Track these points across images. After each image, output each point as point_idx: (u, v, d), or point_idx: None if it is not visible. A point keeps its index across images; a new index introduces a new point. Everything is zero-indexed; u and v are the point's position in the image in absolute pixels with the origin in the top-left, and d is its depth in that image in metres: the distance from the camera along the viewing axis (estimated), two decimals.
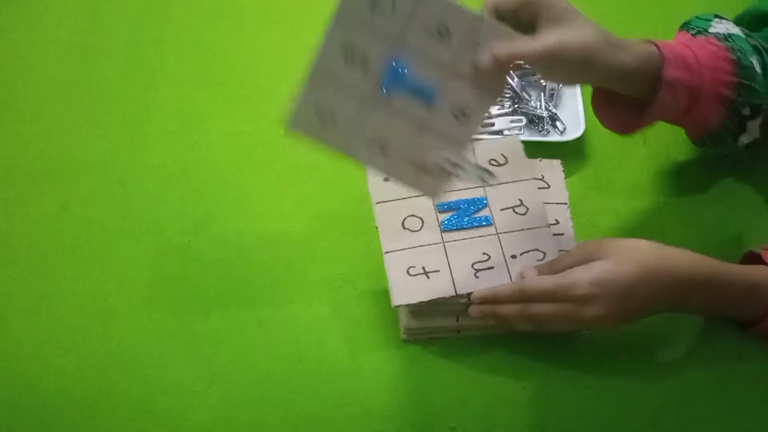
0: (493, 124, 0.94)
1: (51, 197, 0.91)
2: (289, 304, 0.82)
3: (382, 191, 0.79)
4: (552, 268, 0.72)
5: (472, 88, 0.64)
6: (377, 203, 0.79)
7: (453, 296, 0.73)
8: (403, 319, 0.77)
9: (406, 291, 0.72)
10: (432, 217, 0.78)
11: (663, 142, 0.95)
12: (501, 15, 0.65)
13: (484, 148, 0.83)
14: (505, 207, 0.78)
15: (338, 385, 0.76)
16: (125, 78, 1.04)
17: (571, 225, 0.79)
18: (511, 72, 0.99)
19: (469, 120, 0.65)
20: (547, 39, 0.64)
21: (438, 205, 0.78)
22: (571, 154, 0.93)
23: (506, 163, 0.82)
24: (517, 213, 0.78)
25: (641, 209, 0.89)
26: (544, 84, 0.98)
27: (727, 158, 0.91)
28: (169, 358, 0.78)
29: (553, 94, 0.98)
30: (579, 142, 0.92)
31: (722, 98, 0.77)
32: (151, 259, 0.86)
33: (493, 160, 0.82)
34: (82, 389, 0.76)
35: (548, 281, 0.69)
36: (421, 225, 0.77)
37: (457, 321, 0.76)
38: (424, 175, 0.68)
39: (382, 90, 0.63)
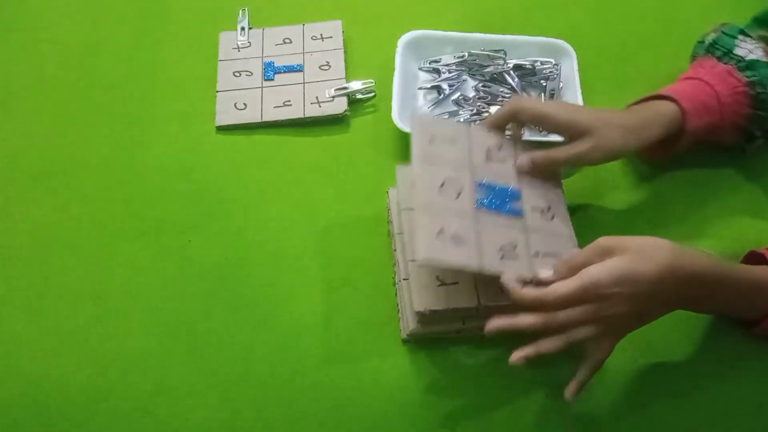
0: None
1: (51, 197, 0.91)
2: (289, 305, 0.82)
3: (428, 154, 0.77)
4: (568, 265, 0.70)
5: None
6: (418, 159, 0.76)
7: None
8: (410, 325, 0.77)
9: (436, 249, 0.69)
10: (470, 191, 0.75)
11: None
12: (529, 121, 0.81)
13: (529, 147, 0.82)
14: (535, 207, 0.77)
15: (338, 385, 0.76)
16: (126, 78, 1.04)
17: (570, 225, 0.79)
18: (511, 72, 0.99)
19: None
20: (579, 148, 0.78)
21: (477, 183, 0.76)
22: None
23: None
24: (545, 216, 0.77)
25: (642, 209, 0.89)
26: (544, 84, 0.98)
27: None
28: (170, 357, 0.78)
29: (554, 94, 0.98)
30: None
31: (738, 127, 0.87)
32: (151, 259, 0.86)
33: None
34: (82, 389, 0.76)
35: (569, 285, 0.66)
36: (458, 194, 0.75)
37: (464, 324, 0.76)
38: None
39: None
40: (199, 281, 0.84)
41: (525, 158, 0.79)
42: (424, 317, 0.74)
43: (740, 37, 0.89)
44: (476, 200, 0.75)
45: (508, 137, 0.82)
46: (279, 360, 0.78)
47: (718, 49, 0.89)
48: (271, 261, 0.85)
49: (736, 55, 0.87)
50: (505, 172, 0.79)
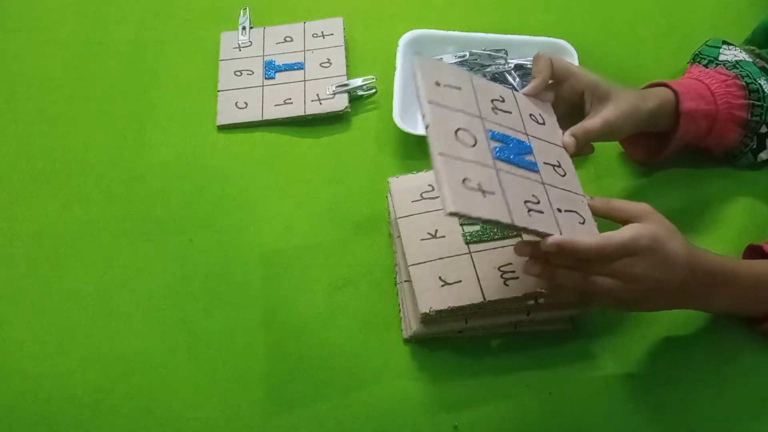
0: None
1: (53, 197, 0.91)
2: (290, 304, 0.82)
3: (437, 98, 0.70)
4: (606, 200, 0.71)
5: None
6: (428, 102, 0.68)
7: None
8: (412, 326, 0.77)
9: (464, 199, 0.62)
10: (485, 140, 0.70)
11: None
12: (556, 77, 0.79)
13: (526, 102, 0.78)
14: (547, 162, 0.73)
15: (340, 384, 0.76)
16: (127, 78, 1.04)
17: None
18: (513, 71, 0.99)
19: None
20: (606, 114, 0.78)
21: (490, 131, 0.71)
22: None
23: (543, 123, 0.78)
24: (557, 172, 0.73)
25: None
26: None
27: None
28: (171, 357, 0.78)
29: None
30: None
31: (737, 119, 0.86)
32: (153, 259, 0.86)
33: (532, 115, 0.77)
34: (83, 388, 0.76)
35: (606, 240, 0.66)
36: (474, 142, 0.68)
37: (466, 323, 0.76)
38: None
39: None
40: (201, 280, 0.84)
41: (569, 139, 0.77)
42: (428, 317, 0.74)
43: (723, 46, 0.91)
44: (493, 150, 0.70)
45: (508, 87, 0.79)
46: (280, 360, 0.78)
47: (703, 58, 0.91)
48: (272, 260, 0.85)
49: (721, 60, 0.89)
50: (512, 123, 0.74)
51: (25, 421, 0.74)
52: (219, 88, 1.01)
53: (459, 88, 0.72)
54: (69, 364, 0.78)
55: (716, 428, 0.74)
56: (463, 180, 0.64)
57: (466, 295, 0.74)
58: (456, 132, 0.68)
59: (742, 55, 0.89)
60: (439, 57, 1.02)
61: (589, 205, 0.71)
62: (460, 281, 0.75)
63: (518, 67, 1.00)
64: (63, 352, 0.79)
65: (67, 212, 0.90)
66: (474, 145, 0.68)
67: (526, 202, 0.67)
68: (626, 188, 0.91)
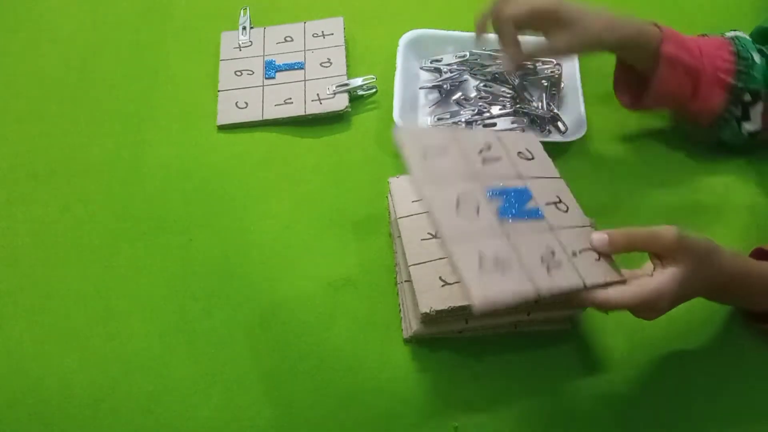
0: (494, 125, 0.94)
1: (53, 197, 0.91)
2: (290, 304, 0.82)
3: (430, 172, 0.70)
4: (627, 239, 0.69)
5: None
6: (424, 184, 0.68)
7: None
8: (412, 326, 0.77)
9: (487, 288, 0.62)
10: (485, 202, 0.69)
11: (664, 143, 0.95)
12: (517, 25, 0.82)
13: (511, 140, 0.78)
14: (548, 202, 0.72)
15: (340, 384, 0.76)
16: (127, 78, 1.04)
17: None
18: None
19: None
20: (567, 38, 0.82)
21: (488, 189, 0.70)
22: (573, 154, 0.93)
23: (533, 158, 0.77)
24: (559, 209, 0.73)
25: (643, 209, 0.89)
26: (546, 84, 0.98)
27: (733, 150, 0.92)
28: (171, 357, 0.78)
29: (555, 94, 0.98)
30: (581, 142, 0.92)
31: (722, 83, 0.85)
32: (153, 258, 0.86)
33: (521, 153, 0.77)
34: (84, 388, 0.76)
35: (634, 298, 0.66)
36: (477, 210, 0.68)
37: (466, 323, 0.76)
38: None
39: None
40: (200, 280, 0.84)
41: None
42: (428, 317, 0.74)
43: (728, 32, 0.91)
44: (497, 210, 0.69)
45: (492, 131, 0.80)
46: (280, 360, 0.78)
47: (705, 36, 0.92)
48: (273, 260, 0.85)
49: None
50: (504, 171, 0.74)
51: (25, 421, 0.74)
52: (219, 88, 1.01)
53: (446, 151, 0.72)
54: (69, 364, 0.78)
55: (717, 429, 0.74)
56: (480, 261, 0.63)
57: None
58: (457, 205, 0.67)
59: (743, 34, 0.89)
60: (439, 57, 1.02)
61: (608, 243, 0.69)
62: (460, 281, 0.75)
63: (518, 67, 1.00)
64: (63, 353, 0.79)
65: (67, 212, 0.90)
66: (478, 213, 0.68)
67: (542, 260, 0.66)
68: (627, 189, 0.91)
